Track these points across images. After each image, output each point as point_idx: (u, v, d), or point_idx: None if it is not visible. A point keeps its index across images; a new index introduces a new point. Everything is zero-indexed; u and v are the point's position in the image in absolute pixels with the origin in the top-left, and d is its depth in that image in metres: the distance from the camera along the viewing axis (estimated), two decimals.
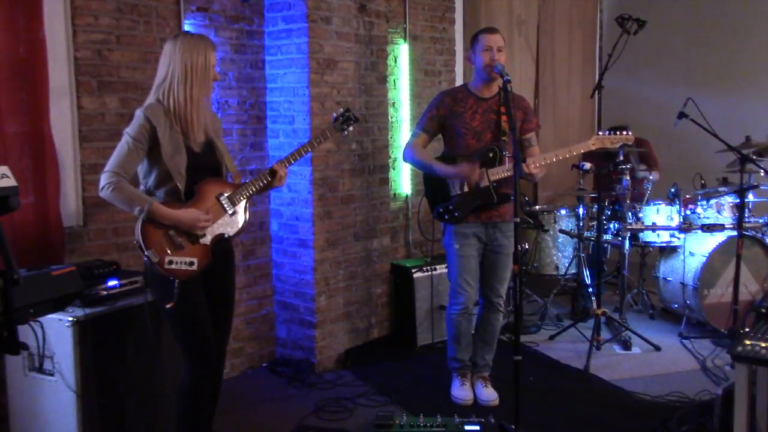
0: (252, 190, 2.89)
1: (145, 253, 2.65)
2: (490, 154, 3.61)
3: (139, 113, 2.69)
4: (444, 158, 3.75)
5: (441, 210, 3.70)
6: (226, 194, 2.83)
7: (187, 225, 2.71)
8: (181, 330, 2.79)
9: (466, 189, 3.64)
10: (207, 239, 2.78)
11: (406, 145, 3.82)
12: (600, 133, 3.69)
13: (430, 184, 3.79)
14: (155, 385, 3.13)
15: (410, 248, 5.03)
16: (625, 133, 3.70)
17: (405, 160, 3.86)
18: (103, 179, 2.64)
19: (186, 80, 2.70)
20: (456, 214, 3.66)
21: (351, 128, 3.20)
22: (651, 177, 5.10)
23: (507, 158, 3.60)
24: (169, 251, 2.68)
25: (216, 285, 2.90)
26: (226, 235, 2.85)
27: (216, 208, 2.80)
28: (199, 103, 2.75)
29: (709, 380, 4.07)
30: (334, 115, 3.19)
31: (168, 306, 2.70)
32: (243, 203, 2.89)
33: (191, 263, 2.72)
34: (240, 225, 2.89)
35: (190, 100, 2.71)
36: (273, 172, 2.94)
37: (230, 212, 2.84)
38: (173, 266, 2.68)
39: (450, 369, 3.91)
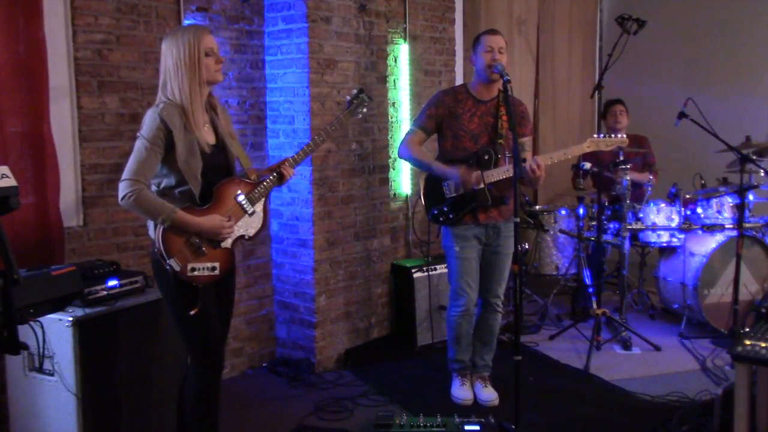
0: (268, 187, 2.83)
1: (168, 262, 2.59)
2: (486, 157, 3.60)
3: (153, 115, 2.59)
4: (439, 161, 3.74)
5: (435, 212, 3.70)
6: (243, 194, 2.76)
7: (211, 233, 2.65)
8: (194, 333, 2.73)
9: (460, 191, 3.63)
10: (228, 242, 2.73)
11: (402, 141, 3.81)
12: (595, 135, 3.74)
13: (426, 186, 3.78)
14: (155, 385, 3.13)
15: (410, 248, 5.02)
16: (620, 136, 3.79)
17: (400, 156, 3.85)
18: (123, 188, 2.54)
19: (177, 74, 2.62)
20: (450, 216, 3.65)
21: (365, 110, 3.17)
22: (651, 178, 5.09)
23: (505, 160, 3.60)
24: (191, 258, 2.62)
25: (222, 286, 2.86)
26: (247, 237, 2.80)
27: (236, 210, 2.74)
28: (193, 92, 2.63)
29: (709, 380, 4.07)
30: (348, 98, 3.15)
31: (192, 312, 2.63)
32: (261, 202, 2.83)
33: (213, 268, 2.66)
34: (260, 225, 2.83)
35: (184, 93, 2.62)
36: (281, 175, 2.87)
37: (250, 212, 2.78)
38: (196, 273, 2.62)
39: (450, 370, 3.91)
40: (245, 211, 2.77)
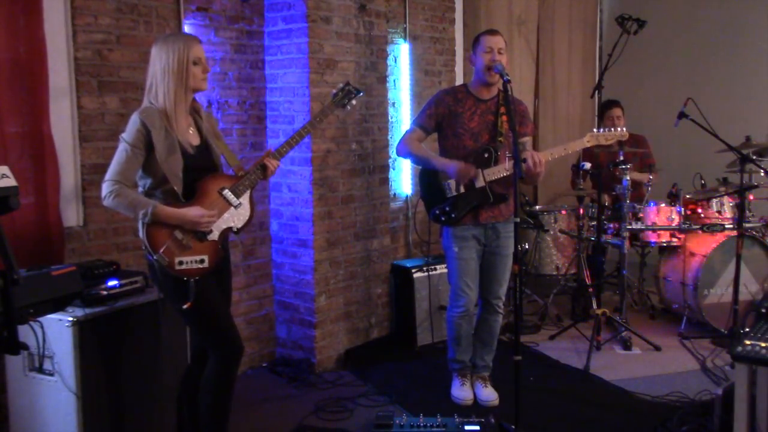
0: (252, 181, 2.88)
1: (154, 257, 2.64)
2: (486, 155, 3.61)
3: (134, 118, 2.68)
4: None
5: (437, 212, 3.70)
6: (228, 188, 2.82)
7: (192, 222, 2.69)
8: (205, 327, 2.80)
9: (462, 190, 3.63)
10: (215, 235, 2.78)
11: (400, 139, 3.81)
12: (595, 130, 3.70)
13: (426, 185, 3.78)
14: (155, 385, 3.13)
15: (410, 248, 5.02)
16: (619, 130, 3.70)
17: (399, 154, 3.84)
18: (104, 188, 2.63)
19: (164, 79, 2.70)
20: (452, 215, 3.65)
21: (354, 102, 3.16)
22: (651, 178, 5.09)
23: (505, 158, 3.59)
24: (177, 252, 2.67)
25: (219, 276, 2.90)
26: (234, 229, 2.85)
27: (220, 203, 2.79)
28: (178, 98, 2.71)
29: (709, 380, 4.07)
30: (334, 91, 3.15)
31: (185, 306, 2.68)
32: (247, 195, 2.88)
33: (202, 261, 2.72)
34: (247, 217, 2.89)
35: (169, 98, 2.70)
36: (264, 167, 2.92)
37: (235, 205, 2.83)
38: (184, 266, 2.68)
39: (450, 370, 3.91)
40: (230, 204, 2.82)
